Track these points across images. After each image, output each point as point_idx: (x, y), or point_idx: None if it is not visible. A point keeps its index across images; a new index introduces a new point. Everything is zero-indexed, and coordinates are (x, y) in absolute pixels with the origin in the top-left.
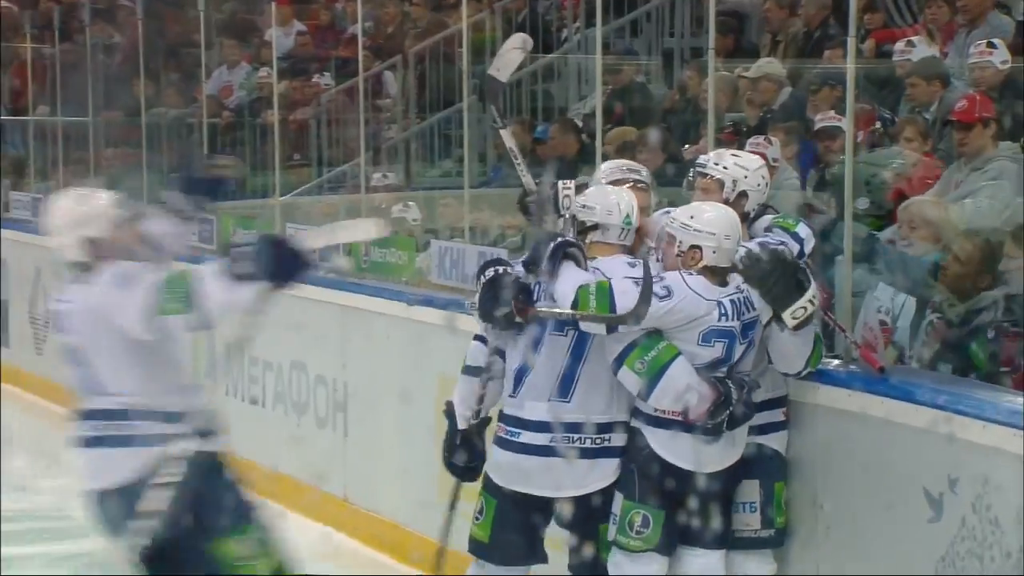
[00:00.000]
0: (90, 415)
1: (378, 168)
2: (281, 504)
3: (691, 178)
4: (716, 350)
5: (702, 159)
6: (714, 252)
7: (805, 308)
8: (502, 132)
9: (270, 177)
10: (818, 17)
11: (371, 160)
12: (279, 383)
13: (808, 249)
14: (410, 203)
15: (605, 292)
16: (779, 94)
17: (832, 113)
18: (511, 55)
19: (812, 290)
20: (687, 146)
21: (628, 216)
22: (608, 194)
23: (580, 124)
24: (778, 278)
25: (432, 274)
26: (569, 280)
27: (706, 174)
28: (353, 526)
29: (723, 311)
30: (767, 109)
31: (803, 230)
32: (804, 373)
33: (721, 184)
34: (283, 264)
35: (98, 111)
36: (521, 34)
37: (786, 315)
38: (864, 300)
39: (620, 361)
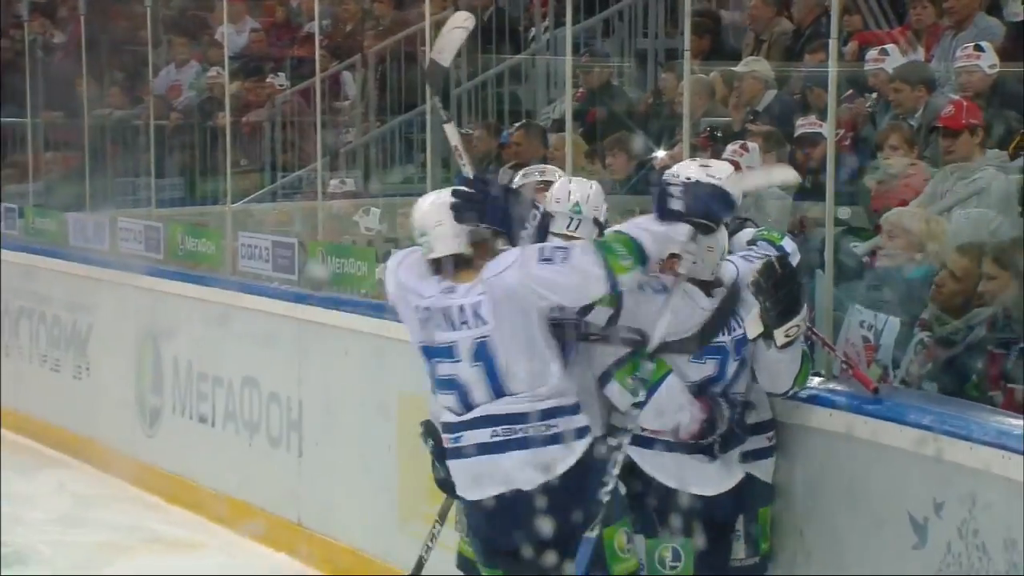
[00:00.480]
0: (491, 421)
1: (336, 174)
2: (231, 530)
3: (654, 189)
4: (708, 368)
5: (668, 173)
6: (694, 263)
7: (798, 326)
8: (445, 127)
9: (221, 183)
10: (811, 16)
11: (328, 165)
12: (230, 400)
13: (794, 264)
14: (373, 209)
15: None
16: (763, 96)
17: (813, 118)
18: (453, 35)
19: (805, 314)
20: (659, 152)
21: (578, 204)
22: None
23: (547, 128)
24: (787, 293)
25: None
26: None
27: None
28: (308, 553)
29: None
30: (750, 110)
31: (788, 244)
32: (791, 392)
33: None
34: (708, 203)
35: (37, 111)
36: (463, 12)
37: (778, 333)
38: (846, 316)
39: (608, 376)
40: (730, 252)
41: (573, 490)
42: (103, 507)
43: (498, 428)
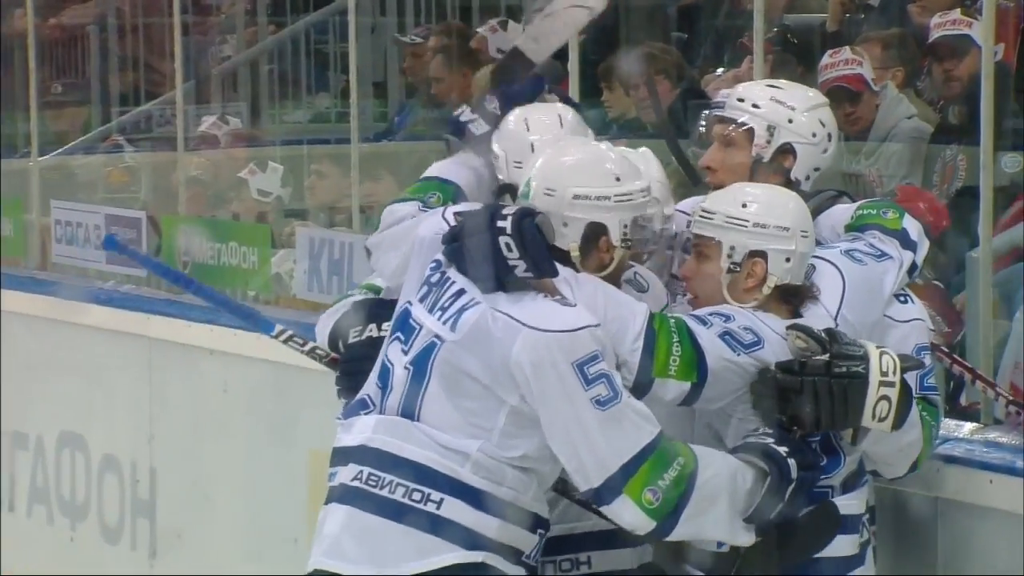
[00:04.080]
0: (365, 456)
1: (207, 108)
2: None
3: (702, 126)
4: None
5: (723, 94)
6: (788, 261)
7: (887, 398)
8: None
9: (20, 123)
10: None
11: (195, 94)
12: (40, 471)
13: (921, 257)
14: (270, 164)
15: (687, 336)
16: None
17: (957, 14)
18: (573, 15)
19: (887, 361)
20: (720, 70)
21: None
22: (516, 126)
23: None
24: (821, 402)
25: (298, 285)
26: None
27: (726, 118)
28: None
29: None
30: (861, 2)
31: (912, 226)
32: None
33: (749, 133)
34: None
35: None
36: None
37: (867, 425)
38: (1013, 324)
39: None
40: (819, 245)
41: None
42: None
43: (364, 470)
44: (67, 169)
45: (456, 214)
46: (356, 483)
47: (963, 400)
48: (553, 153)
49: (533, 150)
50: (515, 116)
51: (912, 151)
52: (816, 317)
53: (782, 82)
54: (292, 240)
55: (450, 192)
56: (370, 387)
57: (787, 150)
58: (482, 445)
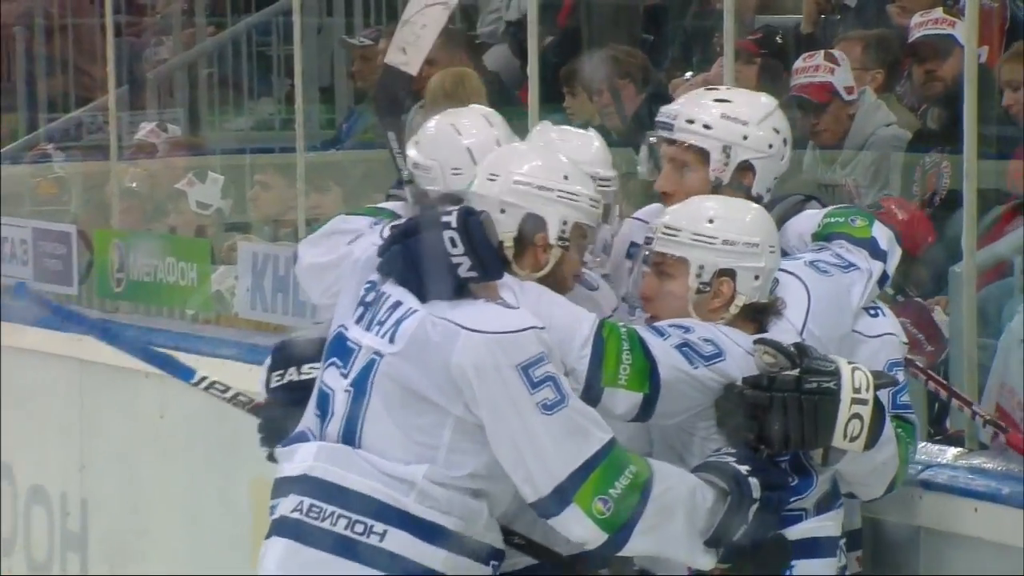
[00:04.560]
0: (305, 486)
1: (142, 115)
2: None
3: (650, 145)
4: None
5: (666, 113)
6: (757, 279)
7: (860, 416)
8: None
9: None
10: None
11: (127, 101)
12: None
13: (892, 267)
14: (210, 175)
15: (638, 344)
16: None
17: (939, 13)
18: (427, 17)
19: (860, 377)
20: (688, 74)
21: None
22: (446, 133)
23: (485, 38)
24: (790, 419)
25: (240, 303)
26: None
27: (673, 139)
28: None
29: None
30: (838, 2)
31: (881, 234)
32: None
33: (704, 155)
34: None
35: None
36: None
37: (838, 445)
38: (1000, 342)
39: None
40: (785, 255)
41: None
42: None
43: (305, 501)
44: None
45: (394, 226)
46: (296, 515)
47: (948, 425)
48: (502, 149)
49: (472, 155)
50: (438, 123)
51: (891, 160)
52: (781, 332)
53: (729, 92)
54: (234, 256)
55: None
56: (308, 419)
57: (746, 167)
58: (428, 471)
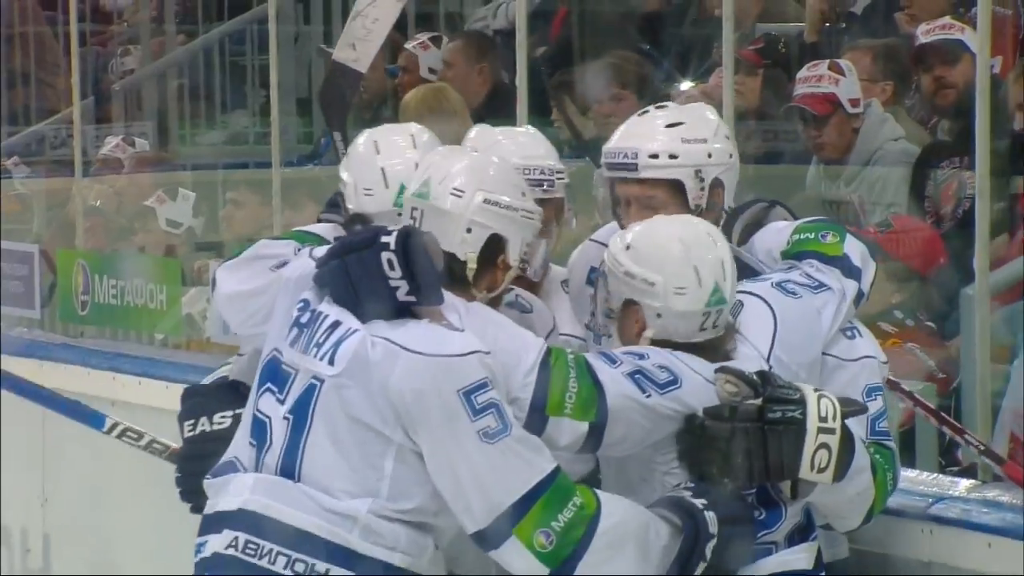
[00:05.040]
0: (239, 521)
1: (108, 128)
2: None
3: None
4: None
5: (618, 149)
6: (659, 316)
7: (827, 446)
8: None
9: None
10: None
11: (92, 114)
12: None
13: (867, 284)
14: (181, 191)
15: (585, 371)
16: None
17: (947, 19)
18: (383, 7)
19: (826, 405)
20: (686, 84)
21: (404, 188)
22: (366, 150)
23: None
24: (753, 451)
25: (212, 327)
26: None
27: (645, 181)
28: None
29: None
30: (841, 11)
31: (854, 250)
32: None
33: (678, 188)
34: None
35: None
36: None
37: (805, 476)
38: (1012, 369)
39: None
40: (753, 272)
41: None
42: None
43: (240, 536)
44: None
45: (337, 238)
46: (231, 551)
47: (960, 457)
48: (450, 156)
49: (385, 177)
50: (364, 139)
51: (899, 175)
52: (746, 359)
53: (671, 112)
54: (205, 277)
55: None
56: (240, 448)
57: (717, 185)
58: (372, 505)
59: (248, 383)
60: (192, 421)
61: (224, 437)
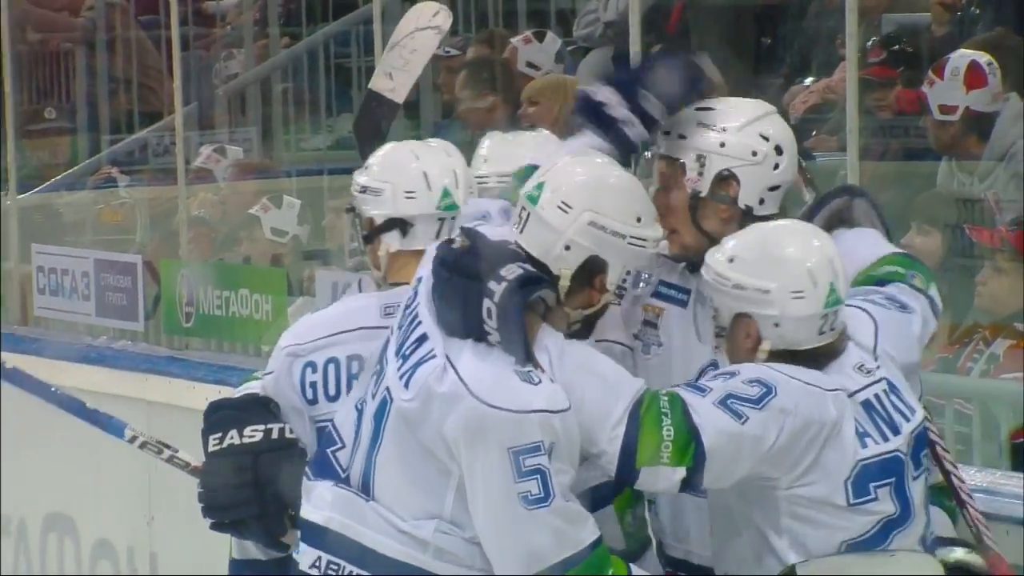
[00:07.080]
0: (329, 542)
1: (210, 134)
2: None
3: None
4: (884, 505)
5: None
6: (777, 326)
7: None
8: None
9: None
10: None
11: (197, 119)
12: (22, 558)
13: (929, 333)
14: (286, 199)
15: (680, 414)
16: None
17: None
18: (422, 39)
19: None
20: (809, 80)
21: (447, 192)
22: (402, 157)
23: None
24: None
25: None
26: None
27: (664, 156)
28: None
29: (865, 420)
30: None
31: (937, 297)
32: None
33: (681, 168)
34: None
35: None
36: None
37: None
38: None
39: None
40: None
41: None
42: None
43: (323, 557)
44: (50, 208)
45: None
46: (315, 572)
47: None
48: (575, 165)
49: (427, 180)
50: (393, 149)
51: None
52: (853, 354)
53: (716, 101)
54: (312, 286)
55: None
56: (346, 428)
57: (726, 177)
58: (438, 525)
59: (277, 401)
60: (219, 435)
61: (253, 451)
